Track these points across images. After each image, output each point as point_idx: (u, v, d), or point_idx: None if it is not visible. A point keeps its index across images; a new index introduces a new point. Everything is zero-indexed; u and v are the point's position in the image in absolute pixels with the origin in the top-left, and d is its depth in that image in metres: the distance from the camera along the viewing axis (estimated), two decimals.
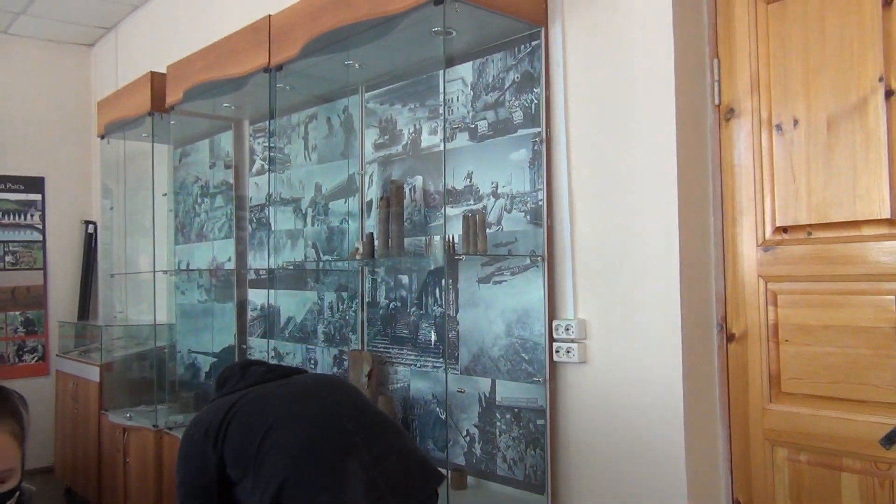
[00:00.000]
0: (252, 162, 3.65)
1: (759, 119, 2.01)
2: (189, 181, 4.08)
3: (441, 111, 2.64)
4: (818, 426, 1.89)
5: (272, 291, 3.43)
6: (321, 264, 3.15)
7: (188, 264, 4.08)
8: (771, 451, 1.99)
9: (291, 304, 3.34)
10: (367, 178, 2.97)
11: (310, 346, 3.24)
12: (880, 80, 1.78)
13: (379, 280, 2.91)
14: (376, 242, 2.71)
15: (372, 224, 2.92)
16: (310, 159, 3.26)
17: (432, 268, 2.67)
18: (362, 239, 2.93)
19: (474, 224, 2.30)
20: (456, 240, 2.45)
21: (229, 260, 3.74)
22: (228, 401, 1.90)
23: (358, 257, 2.72)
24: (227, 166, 3.77)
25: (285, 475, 1.68)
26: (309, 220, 3.25)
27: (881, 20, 1.78)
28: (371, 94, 2.95)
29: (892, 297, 1.77)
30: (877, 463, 1.80)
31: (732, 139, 2.07)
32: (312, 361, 3.21)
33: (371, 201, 2.95)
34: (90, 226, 5.30)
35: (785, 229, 1.96)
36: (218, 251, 3.85)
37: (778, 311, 1.97)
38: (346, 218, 3.06)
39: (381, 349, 2.86)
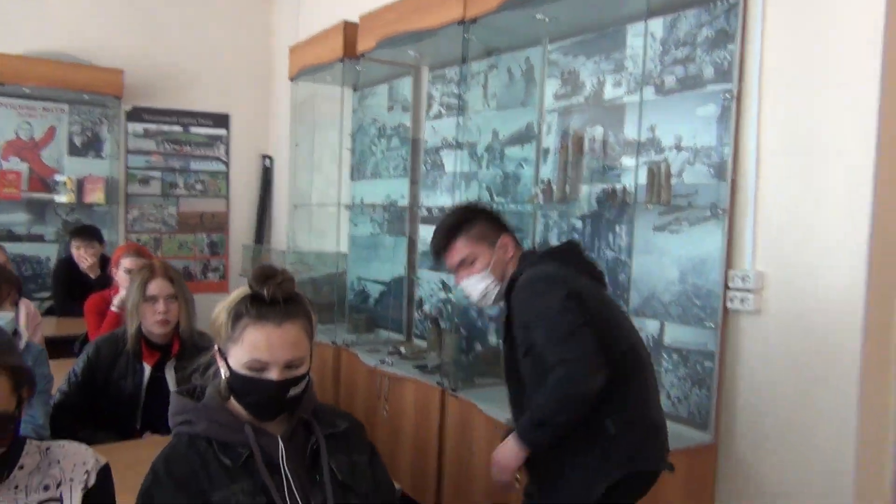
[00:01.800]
0: (429, 106, 3.90)
1: None
2: (367, 123, 4.40)
3: (626, 64, 2.75)
4: None
5: None
6: (496, 206, 3.37)
7: (362, 199, 4.43)
8: None
9: None
10: (545, 127, 3.13)
11: None
12: None
13: (551, 223, 3.09)
14: (554, 188, 2.90)
15: (548, 171, 3.10)
16: (488, 106, 3.46)
17: (608, 215, 2.83)
18: (537, 184, 3.13)
19: (659, 174, 2.43)
20: (631, 188, 2.59)
21: (403, 197, 4.04)
22: (573, 273, 1.93)
23: (537, 201, 2.91)
24: (405, 110, 4.04)
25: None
26: (484, 163, 3.47)
27: None
28: (555, 46, 3.09)
29: None
30: None
31: None
32: None
33: (548, 149, 3.12)
34: (267, 160, 5.80)
35: None
36: (391, 189, 4.16)
37: None
38: (522, 163, 3.25)
39: None
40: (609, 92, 2.85)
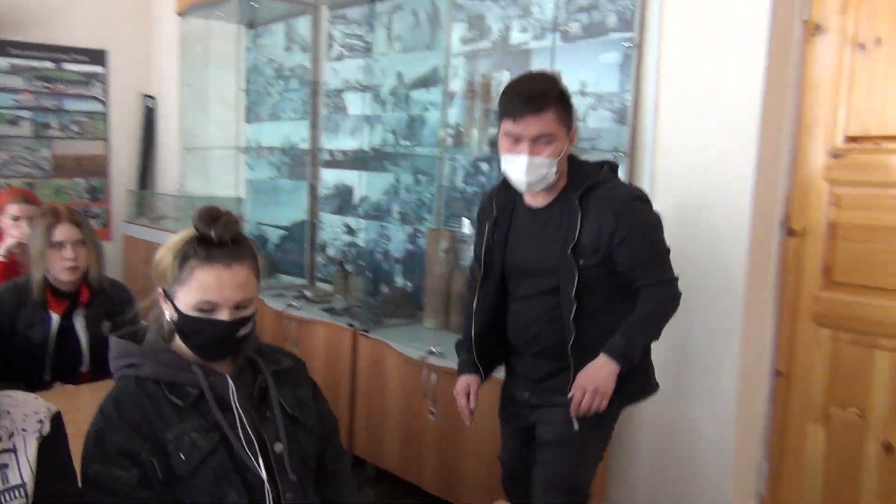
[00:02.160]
0: (330, 47, 3.82)
1: (844, 37, 2.21)
2: (262, 63, 4.25)
3: (532, 10, 2.82)
4: (863, 312, 2.19)
5: (347, 171, 3.70)
6: (400, 149, 3.39)
7: (258, 143, 4.31)
8: (815, 331, 2.31)
9: (366, 184, 3.61)
10: (451, 71, 3.16)
11: (384, 224, 3.53)
12: None
13: (458, 166, 3.16)
14: (462, 132, 2.95)
15: (455, 115, 3.14)
16: (393, 48, 3.44)
17: None
18: (445, 128, 3.17)
19: None
20: None
21: (303, 140, 3.97)
22: None
23: (446, 145, 2.96)
24: (304, 50, 3.94)
25: None
26: (389, 107, 3.47)
27: None
28: None
29: None
30: None
31: (815, 54, 2.27)
32: (386, 238, 3.51)
33: (454, 93, 3.15)
34: (150, 100, 5.49)
35: (855, 139, 2.20)
36: (291, 132, 4.07)
37: (840, 212, 2.24)
38: (428, 107, 3.28)
39: (456, 229, 3.14)
40: (515, 37, 2.90)
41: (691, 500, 2.44)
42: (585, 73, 2.65)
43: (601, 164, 1.92)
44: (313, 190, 3.98)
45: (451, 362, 2.59)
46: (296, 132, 4.04)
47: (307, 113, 3.94)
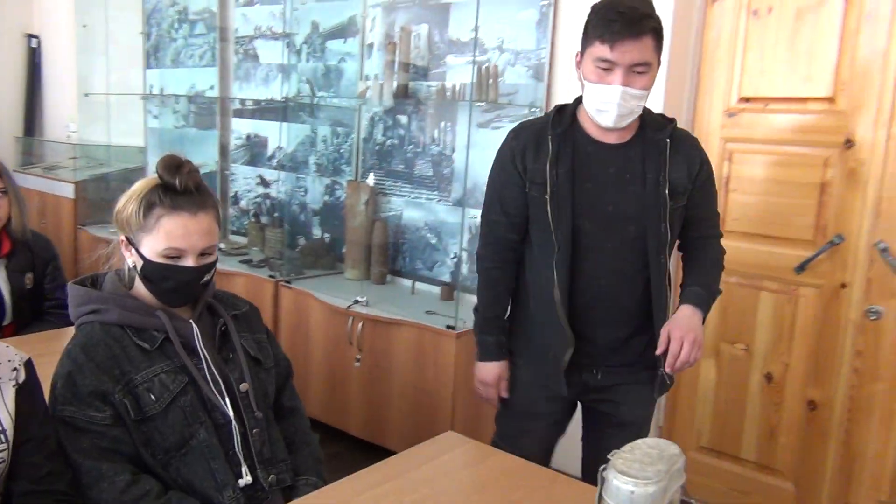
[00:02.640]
0: None
1: (740, 3, 2.41)
2: (164, 5, 4.08)
3: None
4: (749, 257, 2.45)
5: (260, 122, 3.65)
6: (317, 100, 3.39)
7: (162, 89, 4.16)
8: None
9: (281, 135, 3.59)
10: (369, 22, 3.18)
11: (300, 176, 3.54)
12: None
13: (377, 118, 3.20)
14: (381, 84, 2.99)
15: (373, 66, 3.17)
16: None
17: (432, 111, 3.00)
18: (363, 79, 3.20)
19: (488, 75, 2.63)
20: (458, 86, 2.78)
21: (212, 88, 3.87)
22: None
23: (366, 96, 3.00)
24: None
25: None
26: (304, 56, 3.44)
27: None
28: None
29: (821, 160, 2.30)
30: (789, 285, 2.39)
31: (715, 18, 2.46)
32: (303, 189, 3.52)
33: (372, 45, 3.18)
34: (33, 40, 5.14)
35: (747, 99, 2.42)
36: (197, 79, 3.96)
37: (732, 166, 2.47)
38: (345, 58, 3.29)
39: (376, 181, 3.20)
40: None
41: None
42: (503, 30, 2.75)
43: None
44: (223, 140, 3.90)
45: (378, 311, 2.70)
46: (203, 80, 3.93)
47: (215, 60, 3.84)
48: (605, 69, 1.49)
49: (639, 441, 1.05)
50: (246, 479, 1.31)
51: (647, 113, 1.62)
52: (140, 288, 1.35)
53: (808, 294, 2.36)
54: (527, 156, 1.62)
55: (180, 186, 1.28)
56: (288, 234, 3.50)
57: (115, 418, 1.24)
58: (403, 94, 3.01)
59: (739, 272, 2.48)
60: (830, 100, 2.26)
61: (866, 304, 2.27)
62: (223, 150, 3.90)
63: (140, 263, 1.30)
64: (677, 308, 1.61)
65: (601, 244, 1.60)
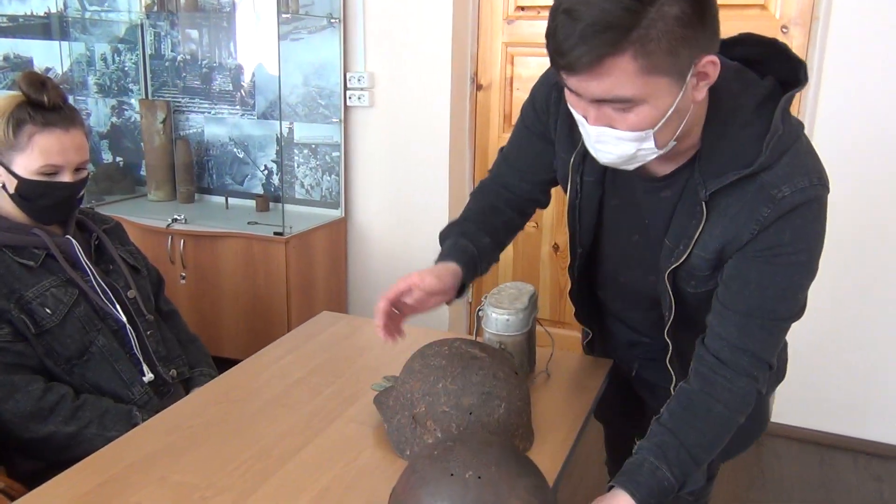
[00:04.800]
0: None
1: None
2: None
3: None
4: None
5: (22, 41, 3.33)
6: (89, 14, 3.17)
7: None
8: None
9: (49, 55, 3.31)
10: None
11: (79, 98, 3.31)
12: None
13: (163, 34, 3.10)
14: None
15: None
16: None
17: (226, 24, 2.98)
18: None
19: None
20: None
21: None
22: None
23: (149, 10, 2.89)
24: None
25: None
26: None
27: None
28: None
29: None
30: None
31: None
32: (86, 112, 3.32)
33: None
34: None
35: (523, 8, 2.75)
36: None
37: (513, 68, 2.82)
38: None
39: (169, 98, 3.13)
40: None
41: None
42: None
43: (772, 93, 0.99)
44: None
45: (197, 226, 2.73)
46: None
47: None
48: (572, 92, 0.93)
49: (502, 284, 1.34)
50: (148, 376, 1.41)
51: (715, 142, 0.99)
52: (8, 206, 1.34)
53: None
54: (560, 124, 1.15)
55: (49, 103, 1.29)
56: None
57: (16, 335, 1.27)
58: (194, 6, 2.95)
59: None
60: None
61: None
62: None
63: (14, 183, 1.30)
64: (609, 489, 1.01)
65: (618, 277, 1.24)
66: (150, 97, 3.17)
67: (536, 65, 2.77)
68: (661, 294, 1.11)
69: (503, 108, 2.87)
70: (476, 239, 1.19)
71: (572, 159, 1.14)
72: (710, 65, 0.88)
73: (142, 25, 3.12)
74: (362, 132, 2.92)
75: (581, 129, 0.96)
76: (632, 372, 1.36)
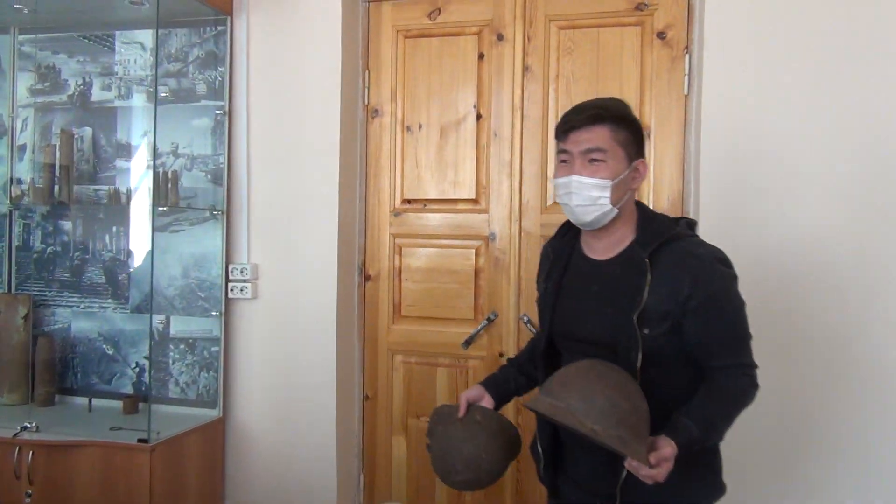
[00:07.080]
0: None
1: (395, 120, 2.78)
2: None
3: (116, 69, 2.84)
4: (424, 337, 2.77)
5: None
6: None
7: None
8: (391, 357, 2.82)
9: None
10: (19, 122, 2.94)
11: None
12: (473, 106, 2.69)
13: (34, 225, 2.94)
14: (41, 188, 2.78)
15: (26, 169, 2.92)
16: None
17: (102, 216, 2.86)
18: (15, 183, 2.92)
19: (167, 179, 2.62)
20: (131, 190, 2.72)
21: None
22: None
23: (25, 201, 2.75)
24: None
25: None
26: None
27: (476, 68, 2.69)
28: (27, 38, 2.92)
29: (473, 250, 2.72)
30: (458, 359, 2.75)
31: (376, 132, 2.81)
32: None
33: (24, 146, 2.94)
34: None
35: (409, 201, 2.78)
36: None
37: (401, 259, 2.79)
38: None
39: (35, 292, 2.91)
40: (97, 94, 2.87)
41: None
42: (177, 135, 2.77)
43: (677, 219, 1.63)
44: None
45: (51, 435, 2.44)
46: None
47: None
48: (563, 161, 1.53)
49: None
50: None
51: (644, 226, 1.55)
52: None
53: (474, 365, 2.73)
54: (544, 260, 1.74)
55: None
56: None
57: None
58: (66, 198, 2.83)
59: (417, 352, 2.78)
60: (475, 201, 2.72)
61: None
62: None
63: None
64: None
65: (576, 332, 1.59)
66: (12, 291, 2.94)
67: (425, 255, 2.76)
68: (621, 344, 1.48)
69: (392, 298, 2.81)
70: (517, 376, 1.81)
71: (541, 272, 1.73)
72: (642, 164, 1.55)
73: (10, 216, 2.96)
74: (245, 326, 2.77)
75: (559, 191, 1.55)
76: None
